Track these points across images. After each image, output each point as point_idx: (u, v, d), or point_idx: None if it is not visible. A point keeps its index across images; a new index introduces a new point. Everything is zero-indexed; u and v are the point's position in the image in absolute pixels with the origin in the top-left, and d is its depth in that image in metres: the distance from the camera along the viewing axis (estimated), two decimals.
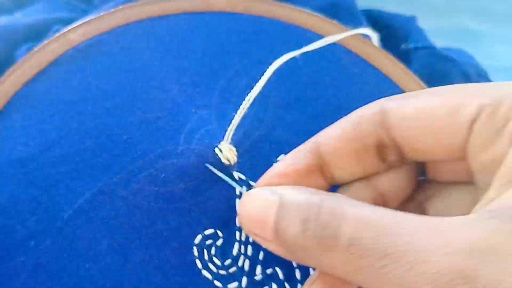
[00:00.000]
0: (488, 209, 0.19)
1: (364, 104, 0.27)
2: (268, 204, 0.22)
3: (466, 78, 0.38)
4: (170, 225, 0.26)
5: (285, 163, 0.25)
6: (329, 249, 0.20)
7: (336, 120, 0.25)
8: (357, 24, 0.36)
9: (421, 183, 0.27)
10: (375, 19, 0.40)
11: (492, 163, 0.21)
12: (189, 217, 0.26)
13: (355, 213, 0.20)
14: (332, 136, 0.24)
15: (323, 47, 0.31)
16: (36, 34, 0.35)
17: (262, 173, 0.27)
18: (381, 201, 0.25)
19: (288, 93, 0.30)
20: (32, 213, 0.27)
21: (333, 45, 0.31)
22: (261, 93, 0.29)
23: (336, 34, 0.29)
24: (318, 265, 0.22)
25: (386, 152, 0.24)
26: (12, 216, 0.26)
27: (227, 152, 0.26)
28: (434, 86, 0.35)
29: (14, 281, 0.26)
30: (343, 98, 0.30)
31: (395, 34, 0.40)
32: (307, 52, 0.31)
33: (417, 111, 0.22)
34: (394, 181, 0.25)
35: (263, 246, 0.24)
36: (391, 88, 0.31)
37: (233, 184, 0.26)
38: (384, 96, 0.28)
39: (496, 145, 0.20)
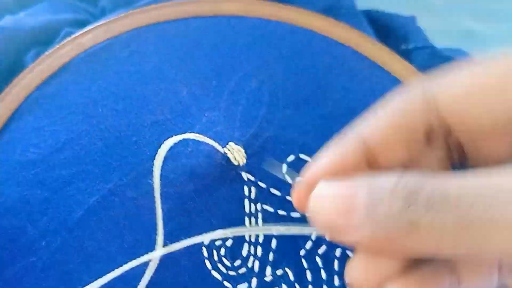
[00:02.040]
0: None
1: (372, 105, 0.27)
2: (353, 191, 0.21)
3: None
4: (180, 226, 0.26)
5: (331, 158, 0.24)
6: (437, 211, 0.19)
7: (346, 121, 0.25)
8: (357, 25, 0.36)
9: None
10: (375, 19, 0.40)
11: None
12: (199, 217, 0.26)
13: (456, 179, 0.19)
14: (379, 127, 0.24)
15: (330, 48, 0.31)
16: (43, 37, 0.36)
17: (271, 175, 0.27)
18: None
19: (297, 94, 0.30)
20: (43, 213, 0.27)
21: (341, 46, 0.31)
22: (270, 94, 0.29)
23: None
24: (413, 243, 0.21)
25: (434, 135, 0.24)
26: (23, 216, 0.27)
27: (236, 153, 0.26)
28: None
29: (25, 281, 0.26)
30: (352, 99, 0.30)
31: (395, 34, 0.40)
32: (315, 54, 0.31)
33: (466, 88, 0.22)
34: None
35: (340, 240, 0.23)
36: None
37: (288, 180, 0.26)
38: None
39: None
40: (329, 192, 0.22)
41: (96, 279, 0.25)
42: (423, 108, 0.23)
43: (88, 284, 0.25)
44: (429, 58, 0.38)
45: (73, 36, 0.31)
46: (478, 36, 0.52)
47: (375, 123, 0.23)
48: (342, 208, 0.21)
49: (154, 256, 0.25)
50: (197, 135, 0.26)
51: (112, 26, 0.31)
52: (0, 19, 0.36)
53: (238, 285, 0.26)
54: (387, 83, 0.31)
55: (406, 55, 0.39)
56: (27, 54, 0.35)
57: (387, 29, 0.40)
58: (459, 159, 0.26)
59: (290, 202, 0.28)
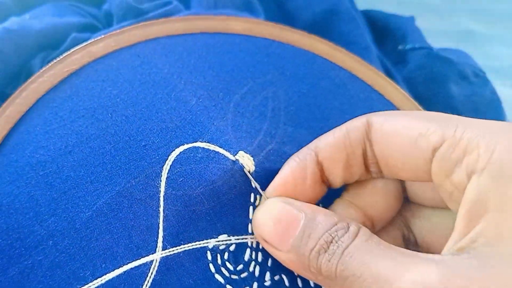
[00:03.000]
0: (452, 252, 0.21)
1: None
2: (293, 219, 0.24)
3: (463, 78, 0.39)
4: (186, 228, 0.27)
5: (291, 170, 0.27)
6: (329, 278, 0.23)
7: None
8: (355, 29, 0.37)
9: (408, 202, 0.29)
10: (373, 20, 0.41)
11: (454, 193, 0.22)
12: (205, 221, 0.28)
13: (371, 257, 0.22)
14: (328, 143, 0.27)
15: (330, 71, 0.33)
16: (50, 40, 0.36)
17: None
18: (369, 224, 0.28)
19: (297, 113, 0.32)
20: (51, 213, 0.27)
21: (340, 70, 0.33)
22: (273, 110, 0.31)
23: None
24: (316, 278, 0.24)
25: (369, 163, 0.26)
26: (32, 216, 0.27)
27: (247, 160, 0.27)
28: (431, 87, 0.36)
29: (31, 280, 0.26)
30: (347, 120, 0.32)
31: (393, 34, 0.40)
32: (316, 76, 0.33)
33: (393, 129, 0.25)
34: (380, 204, 0.28)
35: (271, 253, 0.26)
36: None
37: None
38: None
39: (455, 176, 0.22)
40: (273, 212, 0.25)
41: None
42: (362, 134, 0.26)
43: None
44: (426, 58, 0.39)
45: (84, 44, 0.32)
46: (477, 36, 0.53)
47: (325, 140, 0.26)
48: (278, 231, 0.25)
49: (153, 258, 0.26)
50: (208, 144, 0.28)
51: (122, 37, 0.33)
52: (0, 19, 0.36)
53: None
54: (381, 107, 0.33)
55: (403, 55, 0.40)
56: (34, 58, 0.36)
57: (385, 30, 0.41)
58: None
59: None
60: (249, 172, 0.28)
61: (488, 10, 0.55)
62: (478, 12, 0.55)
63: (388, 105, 0.33)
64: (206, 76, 0.32)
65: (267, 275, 0.28)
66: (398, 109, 0.33)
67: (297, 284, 0.28)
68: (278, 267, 0.28)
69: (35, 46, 0.36)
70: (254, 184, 0.28)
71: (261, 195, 0.28)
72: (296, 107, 0.32)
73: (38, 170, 0.28)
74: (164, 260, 0.27)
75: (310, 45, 0.34)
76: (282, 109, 0.32)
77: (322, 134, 0.30)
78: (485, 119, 0.36)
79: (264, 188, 0.28)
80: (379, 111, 0.32)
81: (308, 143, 0.29)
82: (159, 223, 0.27)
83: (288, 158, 0.29)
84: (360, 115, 0.29)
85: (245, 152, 0.28)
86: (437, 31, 0.46)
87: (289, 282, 0.28)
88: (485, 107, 0.39)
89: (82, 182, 0.28)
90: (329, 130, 0.28)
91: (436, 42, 0.42)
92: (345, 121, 0.30)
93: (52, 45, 0.37)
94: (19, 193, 0.28)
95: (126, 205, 0.28)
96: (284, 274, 0.28)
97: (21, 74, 0.36)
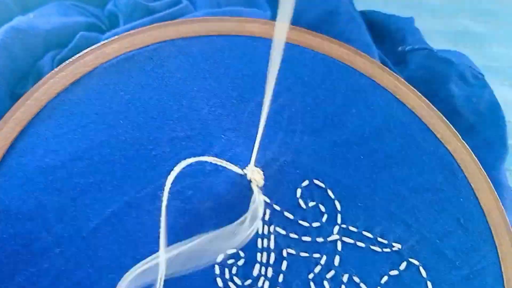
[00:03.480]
0: None
1: (388, 137, 0.28)
2: None
3: (463, 79, 0.39)
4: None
5: None
6: None
7: (359, 150, 0.27)
8: (355, 30, 0.36)
9: None
10: (372, 21, 0.40)
11: None
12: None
13: None
14: None
15: (350, 77, 0.32)
16: (58, 40, 0.36)
17: (286, 198, 0.28)
18: None
19: (315, 121, 0.31)
20: (58, 220, 0.27)
21: (360, 76, 0.32)
22: (288, 119, 0.30)
23: None
24: None
25: None
26: (39, 222, 0.27)
27: (256, 175, 0.27)
28: (431, 88, 0.36)
29: (37, 287, 0.26)
30: (367, 129, 0.31)
31: (392, 35, 0.40)
32: (335, 83, 0.32)
33: None
34: None
35: None
36: (415, 123, 0.31)
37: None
38: (409, 130, 0.29)
39: None
40: None
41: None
42: None
43: None
44: (426, 60, 0.39)
45: (98, 44, 0.32)
46: (477, 37, 0.52)
47: None
48: None
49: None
50: (216, 158, 0.27)
51: (136, 38, 0.32)
52: (1, 19, 0.36)
53: None
54: (402, 115, 0.32)
55: (402, 56, 0.39)
56: (43, 57, 0.36)
57: (384, 31, 0.40)
58: None
59: (302, 226, 0.28)
60: (257, 186, 0.27)
61: (488, 10, 0.53)
62: (478, 12, 0.53)
63: (408, 114, 0.32)
64: (220, 82, 0.31)
65: None
66: (420, 118, 0.32)
67: None
68: (291, 283, 0.27)
69: (44, 46, 0.35)
70: (263, 198, 0.27)
71: (271, 210, 0.27)
72: (313, 114, 0.31)
73: (47, 175, 0.28)
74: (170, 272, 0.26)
75: (329, 50, 0.32)
76: (298, 116, 0.30)
77: (339, 143, 0.29)
78: (485, 120, 0.35)
79: (276, 201, 0.27)
80: (399, 119, 0.31)
81: (326, 152, 0.28)
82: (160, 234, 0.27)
83: (304, 168, 0.28)
84: (380, 124, 0.27)
85: (256, 165, 0.27)
86: (436, 32, 0.44)
87: None
88: (485, 109, 0.38)
89: (91, 189, 0.28)
90: (346, 139, 0.27)
91: (435, 42, 0.42)
92: (364, 130, 0.29)
93: (60, 44, 0.36)
94: (27, 198, 0.28)
95: (134, 216, 0.27)
96: None
97: (30, 74, 0.36)
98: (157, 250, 0.26)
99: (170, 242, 0.27)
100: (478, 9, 0.53)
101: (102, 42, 0.32)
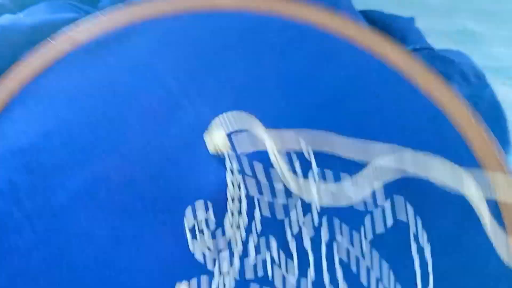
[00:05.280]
0: None
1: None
2: None
3: (464, 79, 0.39)
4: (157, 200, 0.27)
5: None
6: None
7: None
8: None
9: None
10: (373, 20, 0.40)
11: None
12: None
13: None
14: None
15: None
16: (41, 36, 0.36)
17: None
18: None
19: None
20: (28, 197, 0.27)
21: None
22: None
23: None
24: None
25: None
26: (10, 200, 0.27)
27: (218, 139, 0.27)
28: None
29: (9, 262, 0.26)
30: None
31: (393, 35, 0.39)
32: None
33: None
34: None
35: None
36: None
37: None
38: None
39: None
40: None
41: (80, 261, 0.25)
42: None
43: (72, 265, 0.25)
44: (427, 59, 0.38)
45: (67, 31, 0.32)
46: (477, 37, 0.52)
47: None
48: None
49: None
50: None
51: (106, 21, 0.32)
52: None
53: None
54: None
55: None
56: (23, 53, 0.36)
57: (385, 30, 0.40)
58: None
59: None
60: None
61: (488, 10, 0.54)
62: (478, 12, 0.54)
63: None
64: (190, 57, 0.31)
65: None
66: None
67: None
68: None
69: (27, 41, 0.36)
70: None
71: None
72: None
73: (18, 156, 0.28)
74: None
75: (304, 16, 0.32)
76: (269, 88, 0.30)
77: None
78: (486, 119, 0.35)
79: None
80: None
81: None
82: None
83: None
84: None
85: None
86: (437, 32, 0.45)
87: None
88: (486, 107, 0.38)
89: (60, 166, 0.28)
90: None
91: (436, 42, 0.42)
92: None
93: (42, 40, 0.36)
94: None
95: (104, 189, 0.27)
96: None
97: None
98: (126, 222, 0.26)
99: (137, 210, 0.26)
100: (478, 9, 0.54)
101: (72, 27, 0.32)
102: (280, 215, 0.27)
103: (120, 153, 0.28)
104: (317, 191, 0.27)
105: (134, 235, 0.26)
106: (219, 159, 0.27)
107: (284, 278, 0.26)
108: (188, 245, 0.26)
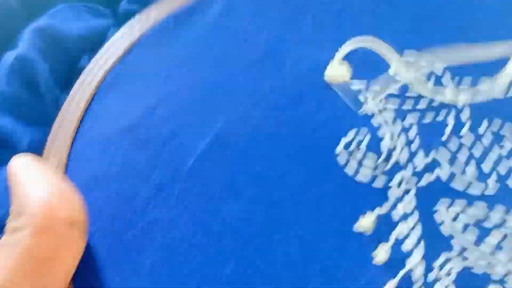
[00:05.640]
0: None
1: None
2: None
3: None
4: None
5: None
6: None
7: None
8: None
9: None
10: None
11: None
12: None
13: None
14: None
15: None
16: (92, 42, 0.36)
17: None
18: None
19: None
20: (152, 170, 0.26)
21: None
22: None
23: None
24: None
25: None
26: (130, 180, 0.26)
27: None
28: None
29: (153, 237, 0.24)
30: None
31: None
32: None
33: None
34: None
35: None
36: None
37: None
38: None
39: None
40: None
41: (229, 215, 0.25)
42: None
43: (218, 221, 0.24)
44: None
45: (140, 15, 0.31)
46: None
47: None
48: None
49: None
50: None
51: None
52: (4, 21, 0.35)
53: None
54: None
55: None
56: (80, 60, 0.35)
57: None
58: None
59: None
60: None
61: None
62: None
63: None
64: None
65: None
66: None
67: None
68: None
69: (79, 49, 0.35)
70: None
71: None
72: None
73: (128, 134, 0.27)
74: None
75: None
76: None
77: None
78: None
79: None
80: None
81: None
82: None
83: None
84: None
85: None
86: None
87: None
88: None
89: (175, 134, 0.27)
90: None
91: None
92: None
93: (95, 47, 0.36)
94: (114, 161, 0.26)
95: (233, 141, 0.26)
96: None
97: (72, 78, 0.35)
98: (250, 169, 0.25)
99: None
100: None
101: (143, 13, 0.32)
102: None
103: (235, 108, 0.27)
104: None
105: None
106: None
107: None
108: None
